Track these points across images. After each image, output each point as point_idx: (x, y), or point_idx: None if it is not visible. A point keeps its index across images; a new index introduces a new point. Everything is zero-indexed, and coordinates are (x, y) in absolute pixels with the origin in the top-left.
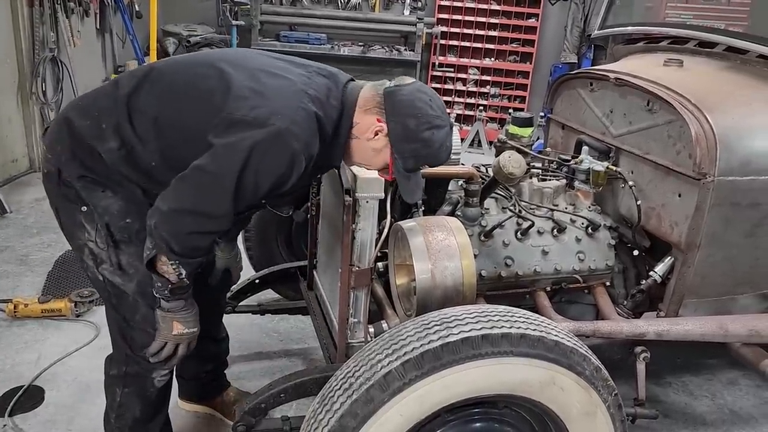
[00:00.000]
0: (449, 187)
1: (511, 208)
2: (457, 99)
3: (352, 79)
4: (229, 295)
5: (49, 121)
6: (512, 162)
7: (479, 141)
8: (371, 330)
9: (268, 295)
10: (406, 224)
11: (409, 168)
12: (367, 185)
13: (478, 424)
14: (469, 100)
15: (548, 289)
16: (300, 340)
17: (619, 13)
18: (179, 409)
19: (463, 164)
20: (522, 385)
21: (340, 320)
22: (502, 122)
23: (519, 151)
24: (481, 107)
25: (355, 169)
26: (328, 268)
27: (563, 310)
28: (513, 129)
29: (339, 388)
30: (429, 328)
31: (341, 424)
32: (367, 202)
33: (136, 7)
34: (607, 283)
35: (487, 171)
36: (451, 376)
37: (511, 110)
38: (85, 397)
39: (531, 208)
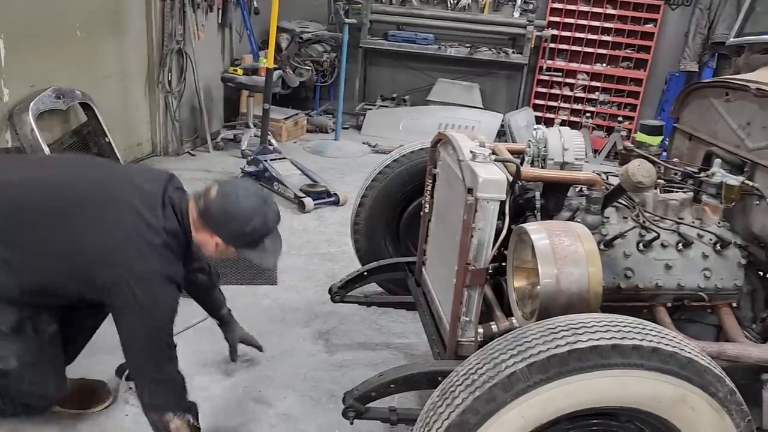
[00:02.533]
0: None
1: (635, 218)
2: (563, 104)
3: (171, 186)
4: (338, 284)
5: (172, 109)
6: (642, 171)
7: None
8: (480, 330)
9: (371, 288)
10: (531, 227)
11: (256, 249)
12: (489, 186)
13: None
14: (575, 106)
15: (669, 305)
16: (401, 335)
17: (757, 20)
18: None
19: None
20: (650, 400)
21: (452, 318)
22: (609, 130)
23: (648, 160)
24: (588, 114)
25: (477, 168)
26: (438, 265)
27: (681, 328)
28: (641, 137)
29: (461, 384)
30: (556, 333)
31: (462, 420)
32: (488, 202)
33: (255, 3)
34: (734, 305)
35: (608, 178)
36: (577, 384)
37: (620, 118)
38: (200, 369)
39: (655, 220)
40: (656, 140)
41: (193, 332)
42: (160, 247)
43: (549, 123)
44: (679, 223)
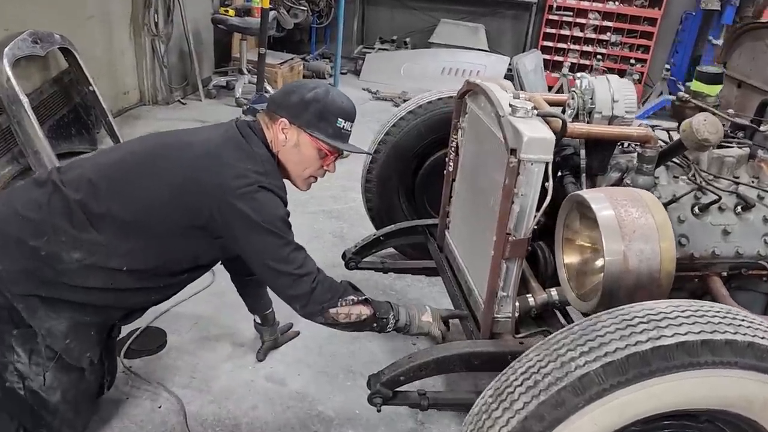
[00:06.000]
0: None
1: (690, 178)
2: (572, 46)
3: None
4: (353, 250)
5: (160, 54)
6: (708, 126)
7: None
8: (516, 305)
9: (386, 250)
10: (591, 194)
11: (331, 133)
12: (535, 146)
13: None
14: (585, 48)
15: (724, 274)
16: (418, 301)
17: None
18: None
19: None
20: (740, 401)
21: (488, 293)
22: (621, 73)
23: (708, 112)
24: (599, 56)
25: (519, 125)
26: (465, 230)
27: (732, 297)
28: (697, 86)
29: (520, 385)
30: (633, 326)
31: (524, 427)
32: (532, 164)
33: None
34: None
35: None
36: (660, 386)
37: (632, 60)
38: (205, 344)
39: (710, 180)
40: (715, 90)
41: (193, 304)
42: (253, 162)
43: (557, 66)
44: (737, 182)
